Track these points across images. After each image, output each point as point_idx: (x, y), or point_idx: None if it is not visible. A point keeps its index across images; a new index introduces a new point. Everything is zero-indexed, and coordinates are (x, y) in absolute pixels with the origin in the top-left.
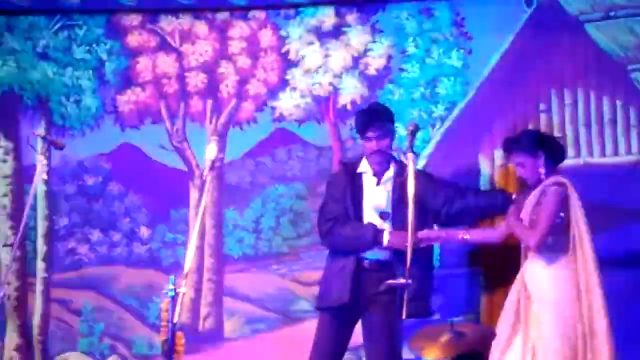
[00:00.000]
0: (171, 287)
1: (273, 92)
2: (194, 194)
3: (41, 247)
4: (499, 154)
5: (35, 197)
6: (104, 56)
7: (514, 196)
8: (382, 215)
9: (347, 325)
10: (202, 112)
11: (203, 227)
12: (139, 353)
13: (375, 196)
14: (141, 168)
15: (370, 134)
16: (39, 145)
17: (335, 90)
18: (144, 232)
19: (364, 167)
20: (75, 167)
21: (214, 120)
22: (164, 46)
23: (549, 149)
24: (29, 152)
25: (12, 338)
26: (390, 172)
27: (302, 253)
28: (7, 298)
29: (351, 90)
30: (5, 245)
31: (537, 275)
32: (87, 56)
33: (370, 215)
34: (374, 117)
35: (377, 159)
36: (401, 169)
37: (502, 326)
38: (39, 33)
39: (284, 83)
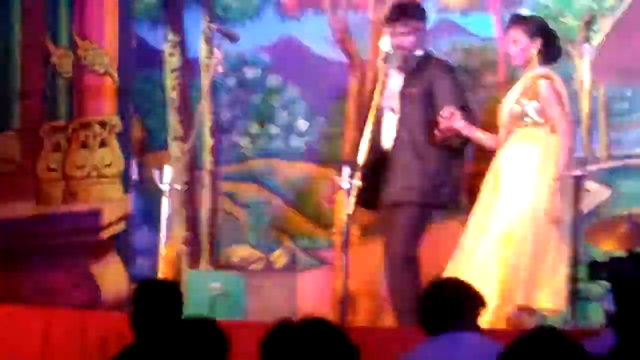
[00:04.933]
0: (345, 179)
1: None
2: (354, 86)
3: (207, 140)
4: None
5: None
6: None
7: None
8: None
9: None
10: (365, 1)
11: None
12: (302, 246)
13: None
14: (301, 60)
15: (400, 27)
16: (209, 37)
17: None
18: (302, 124)
19: (390, 61)
20: (236, 59)
21: (377, 10)
22: None
23: (549, 39)
24: (193, 45)
25: (180, 231)
26: (409, 68)
27: None
28: (176, 191)
29: None
30: (175, 139)
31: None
32: None
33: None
34: (403, 12)
35: (404, 53)
36: (423, 65)
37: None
38: None
39: None
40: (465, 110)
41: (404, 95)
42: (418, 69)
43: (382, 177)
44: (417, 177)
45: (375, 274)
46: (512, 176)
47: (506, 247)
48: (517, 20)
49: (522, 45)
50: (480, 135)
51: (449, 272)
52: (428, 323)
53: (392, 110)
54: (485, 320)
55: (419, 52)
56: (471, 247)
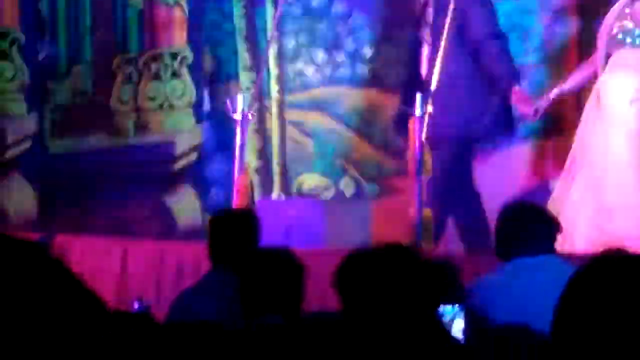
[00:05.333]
0: (418, 105)
1: None
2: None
3: (273, 69)
4: None
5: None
6: None
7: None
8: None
9: None
10: None
11: None
12: (368, 174)
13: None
14: None
15: None
16: None
17: None
18: (368, 51)
19: None
20: None
21: None
22: None
23: None
24: None
25: (252, 161)
26: None
27: None
28: (247, 120)
29: None
30: (245, 69)
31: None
32: None
33: None
34: None
35: None
36: None
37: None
38: None
39: None
40: (500, 38)
41: (437, 25)
42: None
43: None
44: (454, 112)
45: None
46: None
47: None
48: None
49: None
50: (571, 84)
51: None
52: (502, 248)
53: (425, 40)
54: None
55: None
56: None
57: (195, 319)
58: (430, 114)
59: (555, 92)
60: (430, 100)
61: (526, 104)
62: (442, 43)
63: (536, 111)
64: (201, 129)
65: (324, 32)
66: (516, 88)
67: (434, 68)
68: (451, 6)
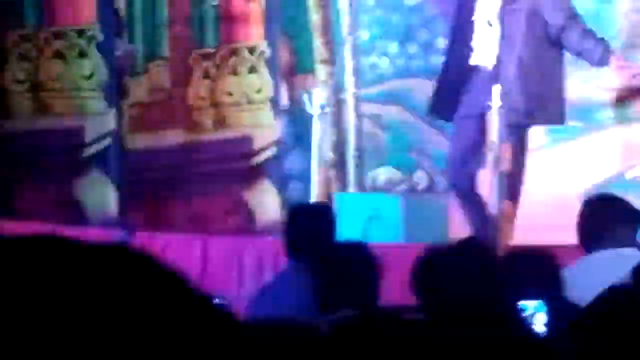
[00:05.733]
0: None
1: None
2: None
3: (348, 61)
4: None
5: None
6: None
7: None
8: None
9: None
10: None
11: None
12: (443, 168)
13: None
14: None
15: None
16: None
17: None
18: (442, 43)
19: None
20: None
21: None
22: None
23: None
24: None
25: (329, 155)
26: None
27: None
28: (324, 114)
29: None
30: (321, 62)
31: None
32: None
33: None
34: None
35: None
36: None
37: None
38: None
39: None
40: (579, 16)
41: (506, 10)
42: None
43: (469, 94)
44: (521, 98)
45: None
46: None
47: None
48: None
49: None
50: None
51: None
52: (585, 240)
53: (490, 24)
54: None
55: None
56: None
57: (274, 314)
58: (504, 106)
59: None
60: (504, 92)
61: (628, 69)
62: (514, 32)
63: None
64: (279, 124)
65: (397, 23)
66: (612, 57)
67: (504, 57)
68: None
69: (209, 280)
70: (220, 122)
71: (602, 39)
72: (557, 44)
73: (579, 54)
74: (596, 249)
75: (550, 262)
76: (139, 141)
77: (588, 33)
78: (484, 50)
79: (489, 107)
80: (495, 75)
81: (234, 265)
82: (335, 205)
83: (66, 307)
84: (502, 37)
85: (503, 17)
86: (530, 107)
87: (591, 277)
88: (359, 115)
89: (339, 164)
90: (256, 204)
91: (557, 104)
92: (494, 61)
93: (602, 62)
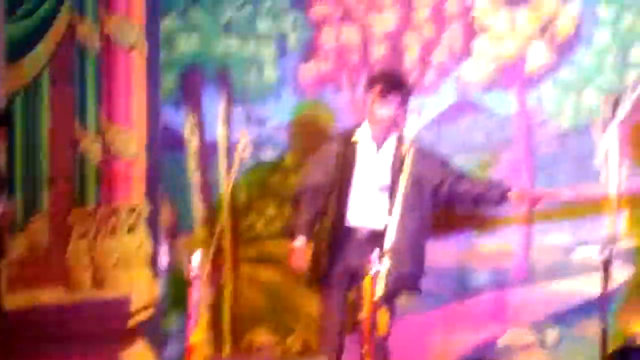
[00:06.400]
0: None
1: (457, 61)
2: None
3: (227, 222)
4: None
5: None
6: (288, 27)
7: (509, 192)
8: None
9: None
10: None
11: None
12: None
13: (374, 166)
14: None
15: (391, 97)
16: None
17: (523, 58)
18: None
19: (363, 132)
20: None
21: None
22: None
23: None
24: (212, 127)
25: (205, 316)
26: (392, 142)
27: None
28: (202, 275)
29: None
30: (201, 222)
31: None
32: (271, 28)
33: (363, 187)
34: (402, 83)
35: (386, 125)
36: (400, 143)
37: None
38: (222, 7)
39: (469, 51)
40: (459, 174)
41: (395, 178)
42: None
43: (351, 256)
44: (412, 265)
45: None
46: None
47: None
48: None
49: None
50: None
51: None
52: None
53: (383, 189)
54: None
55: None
56: None
57: None
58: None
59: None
60: (387, 256)
61: (527, 197)
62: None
63: (536, 200)
64: (157, 284)
65: (276, 186)
66: (509, 193)
67: (391, 222)
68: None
69: None
70: (99, 281)
71: (491, 182)
72: (450, 205)
73: (476, 203)
74: None
75: None
76: (18, 299)
77: (476, 182)
78: (372, 214)
79: (370, 270)
80: (379, 239)
81: None
82: None
83: None
84: (392, 203)
85: (392, 177)
86: (415, 272)
87: None
88: (237, 276)
89: (215, 325)
90: None
91: (421, 270)
92: (381, 225)
93: (501, 200)
